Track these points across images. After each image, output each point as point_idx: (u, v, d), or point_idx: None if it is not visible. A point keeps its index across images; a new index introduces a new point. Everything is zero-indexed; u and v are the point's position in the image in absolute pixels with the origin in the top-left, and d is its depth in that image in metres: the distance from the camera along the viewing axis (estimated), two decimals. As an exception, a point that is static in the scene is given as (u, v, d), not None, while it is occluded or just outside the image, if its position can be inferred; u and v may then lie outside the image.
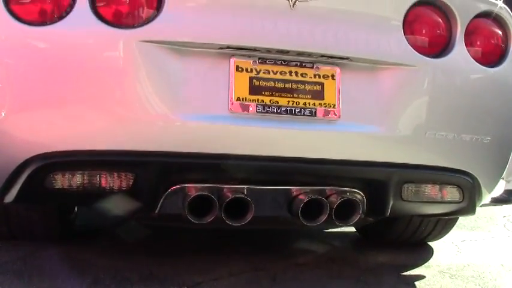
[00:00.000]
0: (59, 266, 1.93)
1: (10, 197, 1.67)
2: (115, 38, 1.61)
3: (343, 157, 1.78)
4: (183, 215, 1.69)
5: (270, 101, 1.70)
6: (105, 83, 1.61)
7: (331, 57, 1.76)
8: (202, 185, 1.70)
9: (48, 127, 1.62)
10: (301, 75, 1.75)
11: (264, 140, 1.70)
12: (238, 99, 1.68)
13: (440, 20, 1.88)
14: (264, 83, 1.71)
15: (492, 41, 1.96)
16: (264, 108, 1.69)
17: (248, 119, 1.68)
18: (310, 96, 1.74)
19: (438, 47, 1.88)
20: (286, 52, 1.73)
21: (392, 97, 1.81)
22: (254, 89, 1.70)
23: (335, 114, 1.75)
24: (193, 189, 1.70)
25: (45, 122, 1.62)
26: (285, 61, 1.74)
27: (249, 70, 1.71)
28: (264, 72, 1.72)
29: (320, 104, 1.74)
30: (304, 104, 1.73)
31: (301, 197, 1.79)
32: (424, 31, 1.87)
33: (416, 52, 1.82)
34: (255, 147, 1.70)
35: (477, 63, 1.91)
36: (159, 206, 1.71)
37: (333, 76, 1.77)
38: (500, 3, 1.96)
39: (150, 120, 1.63)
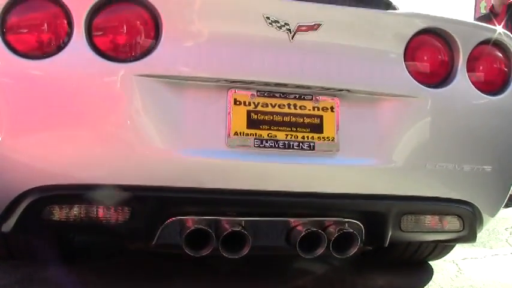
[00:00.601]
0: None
1: (8, 226, 1.68)
2: (112, 72, 1.60)
3: (342, 191, 1.76)
4: (180, 246, 1.69)
5: (268, 135, 1.69)
6: (102, 117, 1.61)
7: (331, 89, 1.74)
8: (200, 217, 1.70)
9: (45, 160, 1.61)
10: (300, 107, 1.73)
11: (262, 175, 1.69)
12: (236, 133, 1.66)
13: (441, 49, 1.85)
14: (262, 117, 1.69)
15: (495, 69, 1.93)
16: (261, 143, 1.68)
17: (246, 153, 1.67)
18: (309, 130, 1.72)
19: (440, 77, 1.85)
20: (285, 85, 1.71)
21: (392, 128, 1.79)
22: (252, 123, 1.68)
23: (334, 148, 1.73)
24: (191, 221, 1.69)
25: (42, 156, 1.61)
26: (283, 93, 1.72)
27: (247, 103, 1.69)
28: (262, 106, 1.70)
29: (319, 137, 1.72)
30: (303, 137, 1.71)
31: (299, 228, 1.77)
32: (425, 61, 1.84)
33: (417, 82, 1.80)
34: (253, 181, 1.69)
35: (479, 92, 1.88)
36: (156, 237, 1.71)
37: (332, 108, 1.75)
38: (501, 29, 1.93)
39: (146, 154, 1.62)
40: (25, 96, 1.59)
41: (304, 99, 1.73)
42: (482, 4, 12.52)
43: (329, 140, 1.73)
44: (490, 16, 5.88)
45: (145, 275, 2.19)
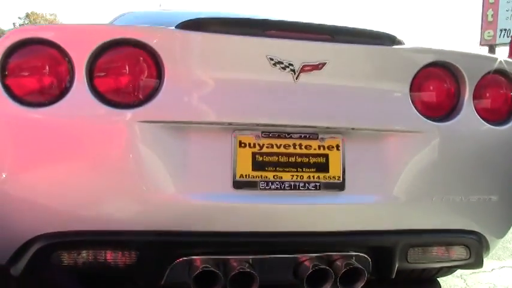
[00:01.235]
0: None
1: (17, 270, 1.69)
2: (115, 119, 1.59)
3: (349, 228, 1.77)
4: (189, 285, 1.70)
5: (273, 177, 1.69)
6: (107, 164, 1.61)
7: (336, 128, 1.73)
8: (208, 257, 1.71)
9: (52, 208, 1.62)
10: (305, 147, 1.72)
11: (269, 216, 1.69)
12: (241, 176, 1.66)
13: (448, 82, 1.83)
14: (267, 158, 1.69)
15: (501, 99, 1.91)
16: (267, 185, 1.68)
17: (252, 195, 1.67)
18: (315, 169, 1.72)
19: (446, 110, 1.84)
20: (290, 126, 1.70)
21: (398, 164, 1.78)
22: (257, 165, 1.68)
23: (340, 187, 1.73)
24: (199, 261, 1.70)
25: (48, 203, 1.62)
26: (288, 133, 1.71)
27: (251, 145, 1.69)
28: (267, 147, 1.70)
29: (325, 176, 1.72)
30: (309, 177, 1.71)
31: (306, 263, 1.78)
32: (431, 95, 1.82)
33: (423, 117, 1.78)
34: (259, 223, 1.69)
35: (485, 122, 1.86)
36: (165, 277, 1.72)
37: (337, 146, 1.74)
38: (506, 59, 1.91)
39: (152, 200, 1.62)
40: (29, 144, 1.59)
41: (309, 138, 1.73)
42: (486, 34, 12.42)
43: (335, 179, 1.73)
44: None
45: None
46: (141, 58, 1.62)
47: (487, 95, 1.89)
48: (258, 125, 1.68)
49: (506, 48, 13.20)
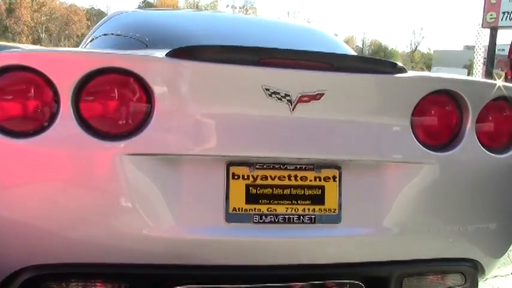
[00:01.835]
0: None
1: None
2: (103, 151, 1.53)
3: (344, 260, 1.73)
4: None
5: (267, 210, 1.64)
6: (95, 198, 1.56)
7: (333, 160, 1.68)
8: (201, 285, 1.67)
9: (40, 240, 1.58)
10: (301, 178, 1.67)
11: (262, 250, 1.65)
12: (234, 209, 1.61)
13: (451, 111, 1.77)
14: (261, 190, 1.64)
15: (503, 127, 1.86)
16: (261, 218, 1.63)
17: (245, 229, 1.62)
18: (310, 202, 1.67)
19: (448, 140, 1.78)
20: (286, 158, 1.65)
21: (396, 195, 1.73)
22: (251, 198, 1.63)
23: (336, 219, 1.68)
24: None
25: (36, 235, 1.57)
26: (283, 165, 1.66)
27: (245, 177, 1.63)
28: (261, 178, 1.64)
29: (320, 209, 1.67)
30: (304, 210, 1.66)
31: None
32: (433, 125, 1.76)
33: (424, 148, 1.73)
34: (254, 256, 1.65)
35: (486, 151, 1.81)
36: None
37: (334, 178, 1.69)
38: (506, 84, 1.85)
39: (142, 233, 1.57)
40: (13, 175, 1.53)
41: (305, 169, 1.67)
42: (488, 16, 12.23)
43: (331, 211, 1.68)
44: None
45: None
46: (131, 88, 1.55)
47: (489, 122, 1.83)
48: (252, 157, 1.62)
49: (508, 32, 13.07)
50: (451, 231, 1.82)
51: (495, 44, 13.14)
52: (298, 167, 1.67)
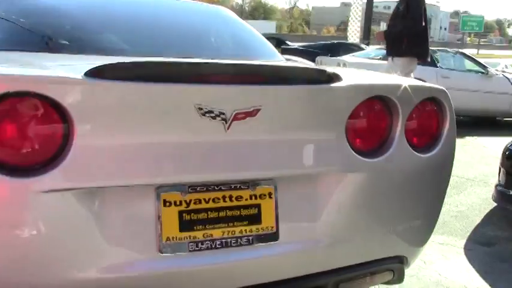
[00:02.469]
0: None
1: None
2: (16, 189, 1.32)
3: (282, 277, 1.68)
4: None
5: (203, 235, 1.52)
6: (10, 240, 1.35)
7: (269, 177, 1.59)
8: None
9: None
10: (236, 198, 1.56)
11: (200, 279, 1.54)
12: (167, 239, 1.48)
13: (383, 117, 1.74)
14: (195, 216, 1.52)
15: (430, 128, 1.87)
16: (197, 245, 1.51)
17: (180, 259, 1.50)
18: (247, 222, 1.57)
19: (381, 145, 1.75)
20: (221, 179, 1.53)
21: (331, 206, 1.69)
22: (185, 225, 1.50)
23: (273, 238, 1.61)
24: None
25: None
26: (217, 185, 1.54)
27: (177, 203, 1.49)
28: (194, 203, 1.51)
29: (257, 228, 1.59)
30: (241, 231, 1.57)
31: None
32: (367, 132, 1.73)
33: (358, 156, 1.69)
34: (190, 286, 1.54)
35: (415, 152, 1.82)
36: None
37: (270, 194, 1.60)
38: (438, 86, 1.85)
39: (67, 276, 1.40)
40: None
41: (239, 188, 1.56)
42: None
43: (268, 229, 1.60)
44: None
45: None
46: (44, 115, 1.32)
47: (417, 124, 1.83)
48: (184, 181, 1.48)
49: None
50: (383, 233, 1.83)
51: (372, 1, 13.53)
52: (233, 186, 1.56)
